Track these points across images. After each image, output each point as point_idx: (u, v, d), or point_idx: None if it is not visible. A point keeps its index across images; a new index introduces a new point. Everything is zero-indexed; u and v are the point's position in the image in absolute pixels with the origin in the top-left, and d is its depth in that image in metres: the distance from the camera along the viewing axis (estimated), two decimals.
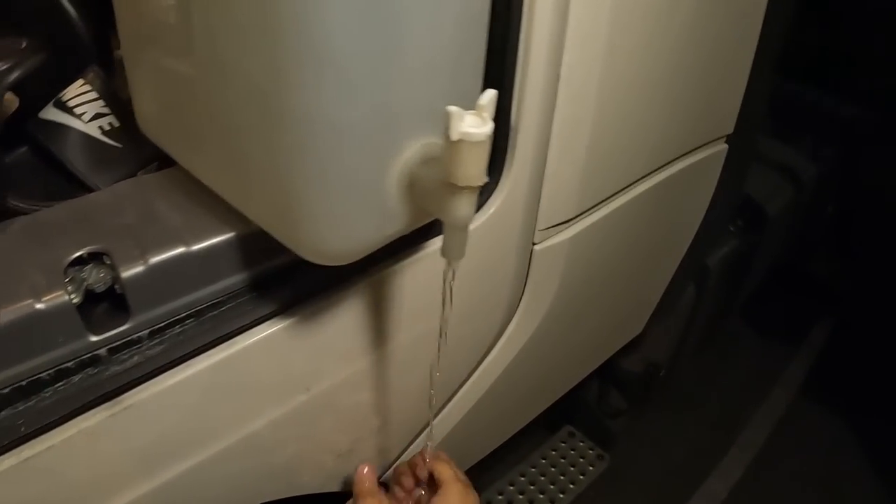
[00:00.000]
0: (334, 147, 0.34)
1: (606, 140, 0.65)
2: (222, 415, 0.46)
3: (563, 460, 1.19)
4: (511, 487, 1.13)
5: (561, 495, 1.13)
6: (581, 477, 1.16)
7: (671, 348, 1.14)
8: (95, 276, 0.41)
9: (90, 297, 0.41)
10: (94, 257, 0.42)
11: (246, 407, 0.47)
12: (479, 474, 1.05)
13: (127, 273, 0.40)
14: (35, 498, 0.41)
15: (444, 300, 0.43)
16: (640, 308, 1.02)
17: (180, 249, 0.41)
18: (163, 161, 0.55)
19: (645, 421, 1.30)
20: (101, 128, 0.52)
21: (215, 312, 0.44)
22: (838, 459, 1.31)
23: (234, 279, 0.44)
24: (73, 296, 0.39)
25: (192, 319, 0.43)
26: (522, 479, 1.15)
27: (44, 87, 0.52)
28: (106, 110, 0.53)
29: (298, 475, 0.55)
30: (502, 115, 0.54)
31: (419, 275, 0.53)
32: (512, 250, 0.64)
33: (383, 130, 0.35)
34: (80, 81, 0.52)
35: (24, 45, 0.49)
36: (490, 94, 0.34)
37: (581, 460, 1.20)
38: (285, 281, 0.45)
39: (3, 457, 0.39)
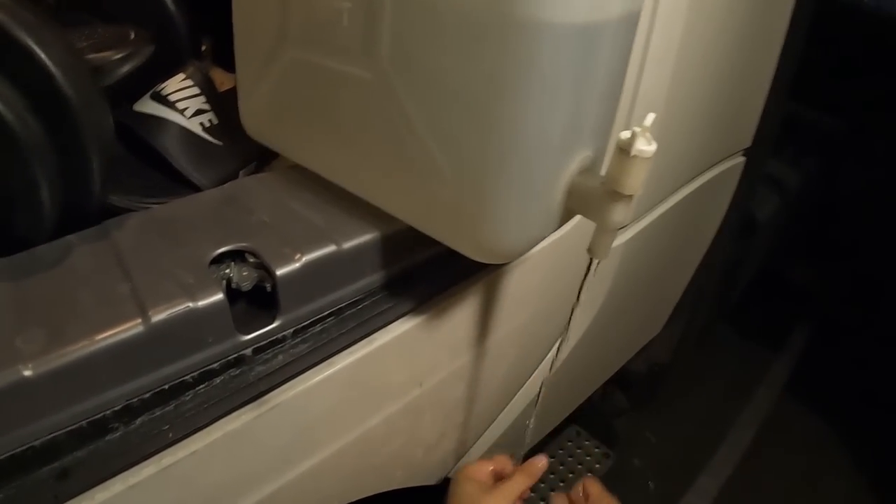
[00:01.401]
0: (531, 157, 0.36)
1: (661, 153, 0.69)
2: (351, 411, 0.47)
3: (570, 459, 1.23)
4: None
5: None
6: (588, 474, 1.20)
7: (672, 349, 1.20)
8: (240, 275, 0.41)
9: (231, 296, 0.41)
10: (234, 255, 0.42)
11: (372, 403, 0.48)
12: None
13: (281, 271, 0.40)
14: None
15: (579, 292, 0.46)
16: (661, 310, 1.08)
17: (331, 248, 0.42)
18: (261, 161, 0.54)
19: (641, 420, 1.36)
20: (202, 124, 0.52)
21: (354, 310, 0.45)
22: (821, 455, 1.41)
23: (374, 277, 0.45)
24: (223, 294, 0.39)
25: (332, 318, 0.44)
26: None
27: (136, 80, 0.51)
28: (206, 106, 0.52)
29: (393, 469, 0.56)
30: None
31: (520, 275, 0.55)
32: (579, 259, 0.67)
33: (568, 142, 0.38)
34: (182, 75, 0.51)
35: (132, 35, 0.48)
36: (651, 117, 0.37)
37: (588, 458, 1.24)
38: (417, 278, 0.47)
39: (141, 465, 0.38)
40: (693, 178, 0.83)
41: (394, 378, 0.48)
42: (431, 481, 0.68)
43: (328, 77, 0.42)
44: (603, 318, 0.79)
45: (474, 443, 0.69)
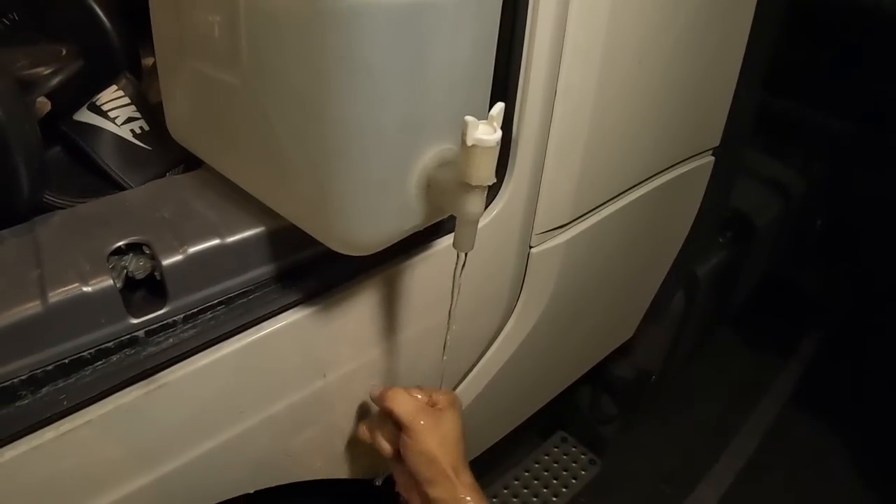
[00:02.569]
0: (367, 150, 0.40)
1: (600, 150, 0.71)
2: (247, 396, 0.51)
3: (555, 465, 1.24)
4: (505, 491, 1.18)
5: (554, 498, 1.17)
6: (573, 481, 1.21)
7: (662, 355, 1.20)
8: (135, 265, 0.46)
9: (129, 284, 0.46)
10: (134, 247, 0.47)
11: (269, 390, 0.52)
12: (476, 478, 1.09)
13: (167, 261, 0.45)
14: (69, 470, 0.45)
15: (453, 289, 0.48)
16: (631, 313, 1.08)
17: (215, 241, 0.46)
18: (188, 164, 0.60)
19: (637, 428, 1.35)
20: (132, 131, 0.58)
21: (244, 300, 0.49)
22: (825, 468, 1.37)
23: (262, 270, 0.49)
24: (116, 281, 0.44)
25: (222, 306, 0.48)
26: (517, 482, 1.20)
27: (78, 91, 0.58)
28: (137, 115, 0.58)
29: (312, 459, 0.60)
30: (505, 127, 0.59)
31: (426, 272, 0.59)
32: (511, 252, 0.70)
33: (408, 137, 0.41)
34: (114, 87, 0.58)
35: (63, 52, 0.54)
36: (499, 107, 0.41)
37: (574, 465, 1.25)
38: (308, 272, 0.51)
39: (44, 430, 0.43)
40: (648, 179, 0.84)
41: (289, 366, 0.52)
42: (370, 476, 0.71)
43: (213, 84, 0.47)
44: (551, 319, 0.81)
45: None
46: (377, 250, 0.45)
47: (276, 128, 0.42)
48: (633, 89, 0.71)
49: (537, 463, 1.24)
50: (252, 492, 0.58)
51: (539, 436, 1.30)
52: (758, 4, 0.86)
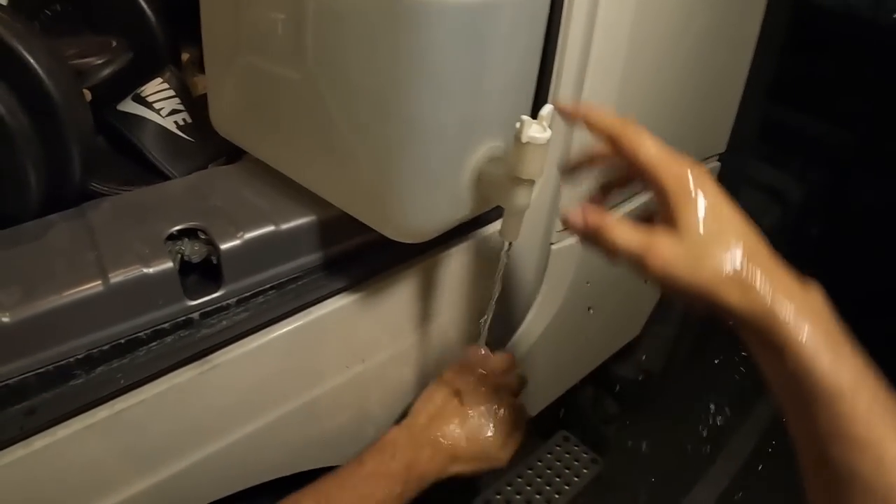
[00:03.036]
0: (427, 145, 0.43)
1: None
2: (292, 379, 0.53)
3: (558, 463, 1.26)
4: (508, 488, 1.20)
5: (557, 496, 1.20)
6: (576, 479, 1.23)
7: (664, 356, 1.24)
8: (191, 249, 0.48)
9: (184, 268, 0.48)
10: (189, 233, 0.49)
11: (312, 373, 0.54)
12: (479, 476, 1.11)
13: (225, 246, 0.47)
14: (120, 450, 0.47)
15: (497, 275, 0.51)
16: (638, 311, 1.12)
17: (270, 228, 0.49)
18: (229, 156, 0.62)
19: (637, 428, 1.39)
20: (176, 122, 0.60)
21: (294, 286, 0.51)
22: None
23: (312, 257, 0.52)
24: (175, 264, 0.46)
25: (273, 291, 0.51)
26: (520, 479, 1.22)
27: (124, 82, 0.59)
28: (181, 107, 0.60)
29: (343, 444, 0.62)
30: None
31: (460, 263, 0.61)
32: (535, 248, 0.73)
33: (465, 133, 0.44)
34: (159, 80, 0.60)
35: (113, 44, 0.56)
36: (549, 108, 0.44)
37: (576, 463, 1.27)
38: (354, 260, 0.53)
39: (98, 409, 0.45)
40: None
41: (332, 351, 0.54)
42: None
43: (271, 79, 0.49)
44: (567, 313, 0.84)
45: None
46: (430, 238, 0.48)
47: (337, 121, 0.45)
48: (650, 95, 0.75)
49: (540, 461, 1.26)
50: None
51: (541, 435, 1.32)
52: (765, 15, 0.91)
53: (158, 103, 0.59)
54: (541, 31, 0.48)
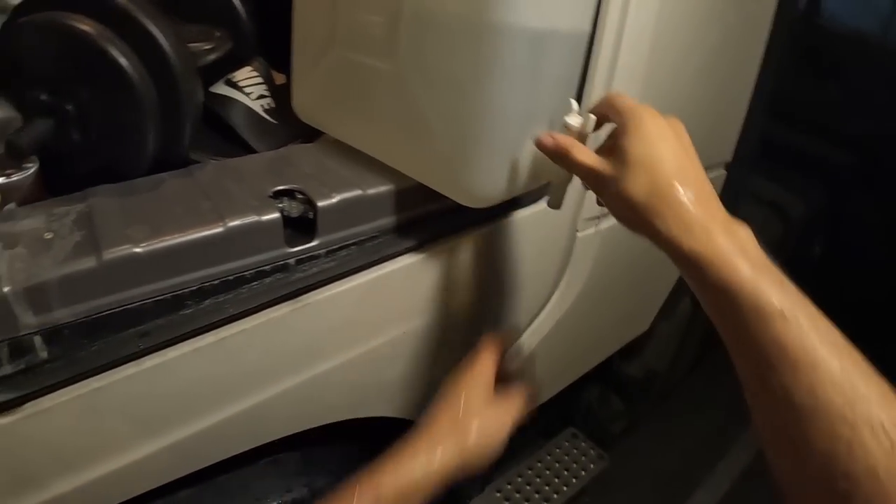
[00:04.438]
0: (497, 128, 0.55)
1: None
2: (363, 325, 0.63)
3: (566, 457, 1.35)
4: (519, 479, 1.29)
5: (565, 488, 1.29)
6: (582, 473, 1.32)
7: (669, 356, 1.34)
8: (290, 205, 0.58)
9: (284, 221, 0.58)
10: (286, 192, 0.59)
11: (379, 322, 0.64)
12: (490, 468, 1.20)
13: (322, 203, 0.57)
14: (221, 373, 0.56)
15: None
16: (648, 306, 1.22)
17: (358, 192, 0.59)
18: (305, 138, 0.73)
19: (642, 428, 1.48)
20: (262, 106, 0.70)
21: (372, 243, 0.62)
22: None
23: (389, 219, 0.63)
24: (280, 216, 0.56)
25: (355, 246, 0.61)
26: (529, 471, 1.31)
27: (220, 68, 0.70)
28: (266, 93, 0.71)
29: (395, 396, 0.72)
30: None
31: (509, 237, 0.72)
32: (563, 234, 0.83)
33: (525, 119, 0.57)
34: (249, 68, 0.71)
35: (217, 34, 0.67)
36: (574, 103, 0.56)
37: (583, 458, 1.36)
38: (422, 225, 0.65)
39: (205, 335, 0.54)
40: None
41: (398, 304, 0.65)
42: None
43: (362, 69, 0.60)
44: (587, 299, 0.94)
45: None
46: (493, 203, 0.59)
47: (420, 105, 0.56)
48: (666, 101, 0.86)
49: (549, 455, 1.35)
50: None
51: (550, 431, 1.41)
52: (770, 35, 1.03)
53: (248, 88, 0.70)
54: (582, 49, 0.61)
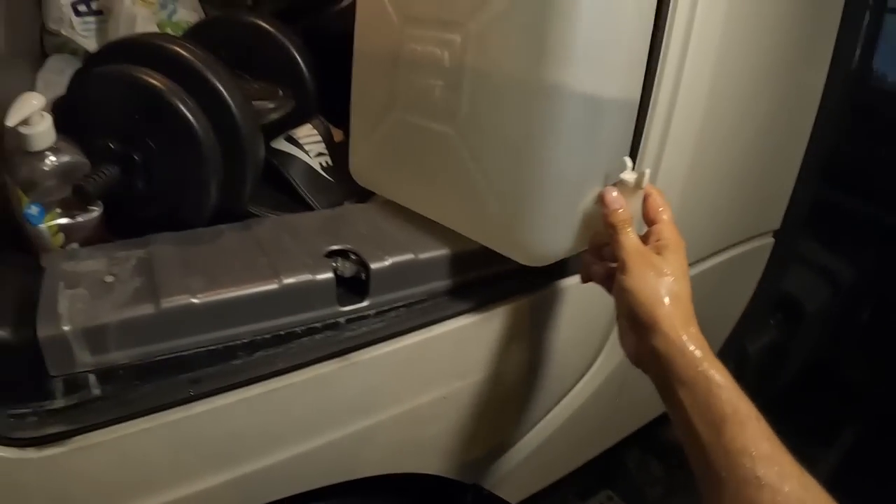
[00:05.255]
0: (554, 189, 0.56)
1: (687, 220, 0.85)
2: (407, 385, 0.64)
3: None
4: None
5: None
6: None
7: None
8: (343, 265, 0.60)
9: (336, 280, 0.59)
10: (341, 252, 0.61)
11: (423, 382, 0.65)
12: None
13: (374, 266, 0.59)
14: (264, 423, 0.57)
15: None
16: None
17: (410, 256, 0.61)
18: (361, 196, 0.75)
19: (680, 494, 1.43)
20: (321, 164, 0.73)
21: (421, 306, 0.63)
22: None
23: (439, 283, 0.64)
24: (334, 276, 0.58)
25: (405, 308, 0.62)
26: None
27: (281, 125, 0.73)
28: (325, 151, 0.74)
29: (437, 454, 0.71)
30: None
31: (558, 304, 0.73)
32: (609, 299, 0.83)
33: (581, 181, 0.58)
34: (309, 126, 0.73)
35: (280, 93, 0.70)
36: (628, 161, 0.58)
37: None
38: (472, 289, 0.65)
39: (252, 386, 0.55)
40: (717, 253, 0.98)
41: (443, 365, 0.65)
42: (465, 480, 0.82)
43: (421, 132, 0.62)
44: (627, 365, 0.92)
45: (506, 451, 0.84)
46: (551, 261, 0.60)
47: (480, 167, 0.58)
48: (717, 167, 0.86)
49: None
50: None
51: (586, 494, 1.38)
52: (823, 95, 1.02)
53: (308, 145, 0.73)
54: (633, 115, 0.62)
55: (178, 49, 0.62)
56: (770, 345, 1.33)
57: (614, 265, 0.57)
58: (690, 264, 0.91)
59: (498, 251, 0.60)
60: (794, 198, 1.09)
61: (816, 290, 1.42)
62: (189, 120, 0.60)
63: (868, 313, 1.64)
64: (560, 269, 0.69)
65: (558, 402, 0.87)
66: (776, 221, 1.09)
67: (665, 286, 0.52)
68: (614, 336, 0.88)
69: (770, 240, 1.10)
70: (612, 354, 0.89)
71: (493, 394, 0.74)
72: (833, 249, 1.51)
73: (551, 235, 0.58)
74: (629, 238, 0.54)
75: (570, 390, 0.87)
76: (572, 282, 0.73)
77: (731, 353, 1.24)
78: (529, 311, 0.71)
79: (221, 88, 0.61)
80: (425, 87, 0.60)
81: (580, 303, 0.77)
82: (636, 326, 0.53)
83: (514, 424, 0.82)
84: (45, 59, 0.88)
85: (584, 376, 0.88)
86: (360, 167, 0.70)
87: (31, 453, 0.47)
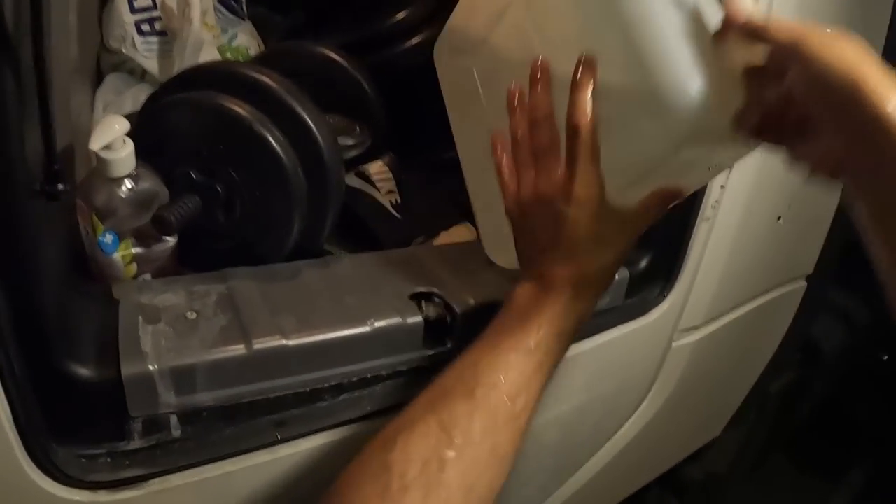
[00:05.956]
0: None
1: (734, 266, 0.87)
2: None
3: None
4: None
5: None
6: None
7: (730, 460, 1.32)
8: (429, 309, 0.60)
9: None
10: (425, 294, 0.61)
11: None
12: None
13: (461, 309, 0.59)
14: None
15: None
16: (722, 413, 1.22)
17: (492, 298, 0.61)
18: (428, 235, 0.76)
19: None
20: (391, 201, 0.74)
21: None
22: None
23: None
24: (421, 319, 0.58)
25: None
26: None
27: (355, 161, 0.74)
28: (395, 189, 0.74)
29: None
30: (681, 247, 0.77)
31: (606, 349, 0.74)
32: (660, 344, 0.85)
33: None
34: (380, 162, 0.74)
35: (358, 129, 0.71)
36: None
37: None
38: None
39: (339, 429, 0.55)
40: (758, 296, 1.01)
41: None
42: None
43: None
44: (669, 409, 0.94)
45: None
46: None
47: None
48: (761, 219, 0.88)
49: None
50: None
51: None
52: None
53: (379, 182, 0.73)
54: None
55: (265, 79, 0.61)
56: (790, 384, 1.36)
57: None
58: (730, 309, 0.94)
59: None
60: (827, 241, 1.11)
61: (832, 330, 1.45)
62: (277, 152, 0.59)
63: (886, 355, 1.67)
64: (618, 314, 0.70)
65: (602, 445, 0.88)
66: (810, 265, 1.12)
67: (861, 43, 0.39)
68: (661, 378, 0.89)
69: (803, 283, 1.13)
70: (658, 396, 0.90)
71: (548, 435, 0.75)
72: (849, 289, 1.54)
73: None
74: (781, 22, 0.41)
75: (615, 433, 0.88)
76: (630, 327, 0.74)
77: (752, 394, 1.27)
78: (592, 352, 0.72)
79: (310, 122, 0.60)
80: None
81: (636, 345, 0.78)
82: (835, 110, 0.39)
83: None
84: (100, 77, 0.87)
85: (631, 417, 0.89)
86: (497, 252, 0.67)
87: (103, 496, 0.46)
